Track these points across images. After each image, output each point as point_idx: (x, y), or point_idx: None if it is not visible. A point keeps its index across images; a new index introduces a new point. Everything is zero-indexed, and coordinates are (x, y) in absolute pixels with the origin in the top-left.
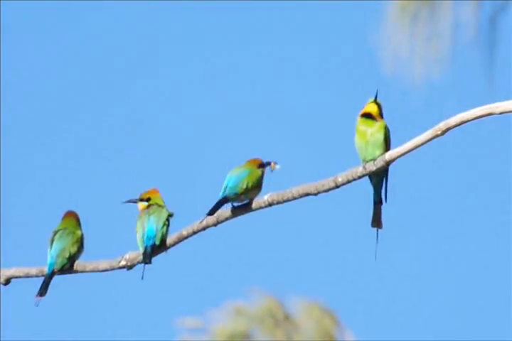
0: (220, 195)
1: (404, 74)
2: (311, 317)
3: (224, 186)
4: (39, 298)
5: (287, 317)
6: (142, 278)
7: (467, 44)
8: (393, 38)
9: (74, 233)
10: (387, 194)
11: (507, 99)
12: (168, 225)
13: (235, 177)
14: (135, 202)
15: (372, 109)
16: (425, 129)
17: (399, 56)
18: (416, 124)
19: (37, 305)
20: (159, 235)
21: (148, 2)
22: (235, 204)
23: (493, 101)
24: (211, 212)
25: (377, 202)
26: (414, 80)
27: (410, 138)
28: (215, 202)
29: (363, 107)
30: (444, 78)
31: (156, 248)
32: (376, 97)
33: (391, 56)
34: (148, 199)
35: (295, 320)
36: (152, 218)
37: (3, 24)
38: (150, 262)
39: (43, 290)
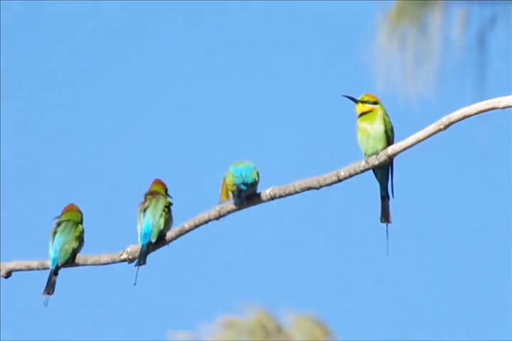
0: (236, 182)
1: (396, 92)
2: (303, 329)
3: (237, 175)
4: (46, 295)
5: (279, 329)
6: (135, 284)
7: (457, 61)
8: (384, 56)
9: (77, 226)
10: (394, 189)
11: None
12: (166, 216)
13: (244, 168)
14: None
15: (359, 109)
16: (428, 124)
17: (390, 74)
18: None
19: (46, 305)
20: (155, 231)
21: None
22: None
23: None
24: (242, 201)
25: (385, 197)
26: (406, 97)
27: (413, 132)
28: (237, 192)
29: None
30: (434, 95)
31: (152, 245)
32: (353, 100)
33: (382, 74)
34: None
35: (286, 332)
36: (148, 212)
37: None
38: (144, 263)
39: (49, 288)
